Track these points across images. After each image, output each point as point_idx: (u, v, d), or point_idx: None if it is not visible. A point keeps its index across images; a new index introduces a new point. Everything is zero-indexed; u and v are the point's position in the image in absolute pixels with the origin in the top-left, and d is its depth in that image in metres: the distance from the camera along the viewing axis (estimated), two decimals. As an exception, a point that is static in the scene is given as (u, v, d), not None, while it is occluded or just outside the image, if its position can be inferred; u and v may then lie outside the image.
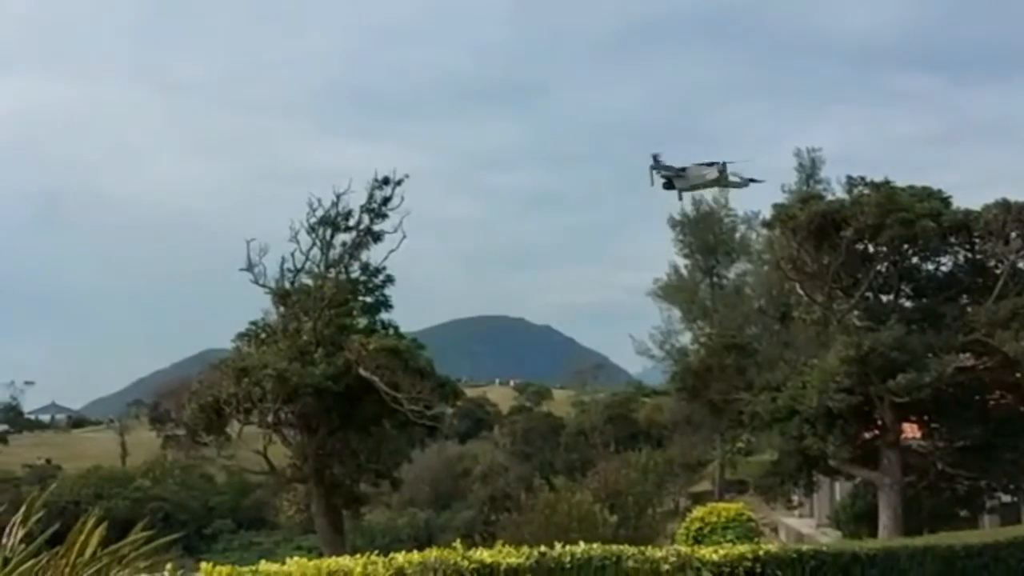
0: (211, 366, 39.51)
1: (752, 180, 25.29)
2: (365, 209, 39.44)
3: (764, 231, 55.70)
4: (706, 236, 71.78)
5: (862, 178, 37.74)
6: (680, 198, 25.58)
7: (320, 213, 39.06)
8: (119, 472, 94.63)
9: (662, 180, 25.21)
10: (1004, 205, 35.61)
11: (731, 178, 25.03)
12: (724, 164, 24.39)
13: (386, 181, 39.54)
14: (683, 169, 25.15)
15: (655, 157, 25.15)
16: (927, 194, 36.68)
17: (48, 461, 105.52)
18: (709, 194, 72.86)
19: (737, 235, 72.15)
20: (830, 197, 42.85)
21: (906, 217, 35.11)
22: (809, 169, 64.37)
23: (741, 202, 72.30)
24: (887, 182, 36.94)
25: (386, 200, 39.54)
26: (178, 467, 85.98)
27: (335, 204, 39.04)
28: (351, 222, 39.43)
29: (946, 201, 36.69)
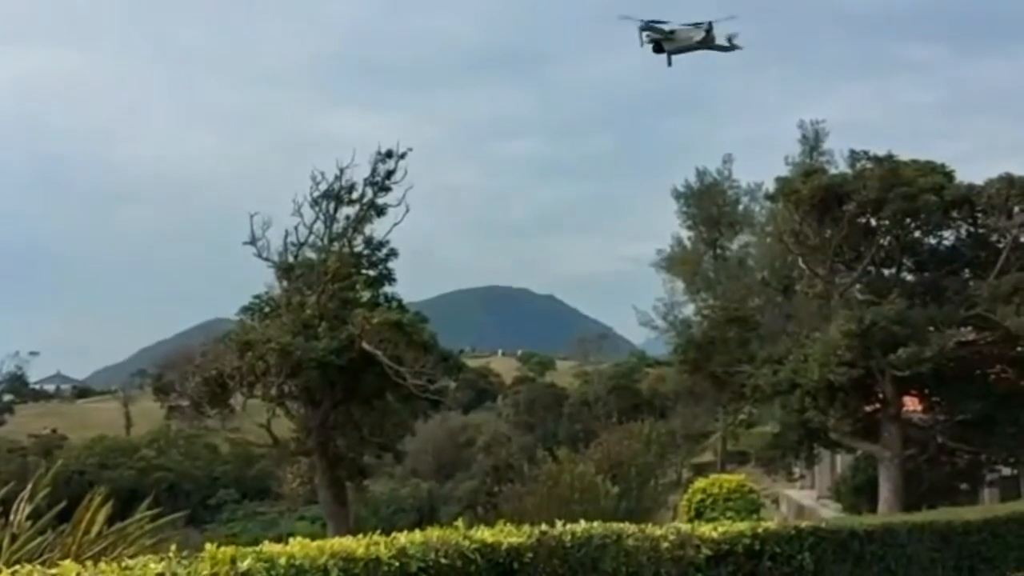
0: (215, 340, 39.69)
1: (735, 46, 25.08)
2: (369, 182, 39.44)
3: (767, 204, 55.78)
4: (709, 208, 71.68)
5: (865, 152, 37.73)
6: (669, 63, 25.18)
7: (323, 187, 39.09)
8: (124, 442, 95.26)
9: (650, 43, 24.99)
10: (1007, 179, 35.61)
11: (718, 40, 24.81)
12: (710, 24, 24.17)
13: (389, 154, 39.52)
14: (672, 32, 24.92)
15: (644, 21, 25.03)
16: (930, 168, 36.64)
17: (54, 431, 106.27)
18: (713, 165, 72.91)
19: (740, 207, 72.04)
20: (833, 170, 42.85)
21: (909, 191, 35.12)
22: (813, 141, 64.16)
23: (744, 174, 72.21)
24: (890, 156, 36.90)
25: (389, 173, 39.53)
26: (182, 437, 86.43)
27: (338, 178, 39.06)
28: (355, 195, 39.44)
29: (949, 175, 36.65)
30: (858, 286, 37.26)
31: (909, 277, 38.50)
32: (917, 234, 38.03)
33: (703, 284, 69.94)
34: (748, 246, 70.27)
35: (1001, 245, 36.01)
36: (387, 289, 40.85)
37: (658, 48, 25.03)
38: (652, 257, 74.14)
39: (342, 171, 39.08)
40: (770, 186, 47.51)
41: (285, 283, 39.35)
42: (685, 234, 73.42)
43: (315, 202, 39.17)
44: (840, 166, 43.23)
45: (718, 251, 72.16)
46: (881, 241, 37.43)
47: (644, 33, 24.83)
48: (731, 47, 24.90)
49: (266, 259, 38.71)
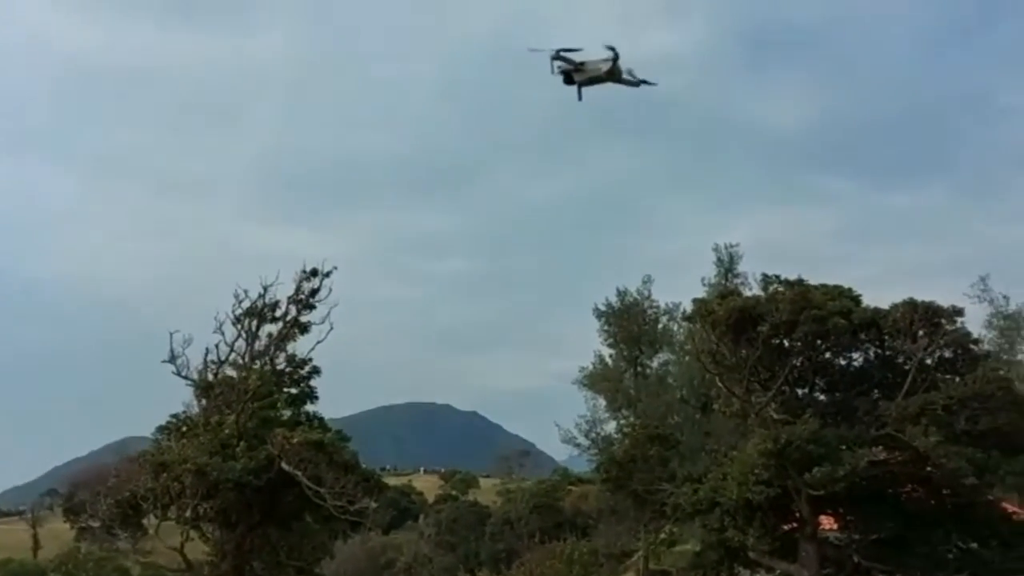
0: (129, 459, 38.80)
1: (644, 81, 25.29)
2: (293, 300, 39.50)
3: (686, 324, 57.03)
4: (630, 327, 72.74)
5: (777, 276, 39.23)
6: (580, 97, 25.25)
7: (246, 304, 39.03)
8: (31, 565, 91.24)
9: (561, 74, 25.18)
10: (911, 304, 37.24)
11: (625, 75, 25.04)
12: (616, 54, 24.41)
13: (314, 272, 39.73)
14: (582, 63, 25.16)
15: (555, 50, 25.19)
16: (838, 292, 38.18)
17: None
18: (633, 286, 74.43)
19: (660, 326, 73.27)
20: (748, 293, 44.24)
21: (819, 314, 36.48)
22: (728, 264, 66.08)
23: (664, 293, 73.77)
24: (800, 280, 38.41)
25: (314, 291, 39.69)
26: (92, 560, 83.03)
27: (262, 296, 39.09)
28: (278, 313, 39.44)
29: (856, 299, 38.24)
30: (773, 405, 38.12)
31: (822, 397, 39.56)
32: (828, 355, 39.26)
33: (624, 401, 70.54)
34: (668, 364, 71.37)
35: (907, 367, 37.37)
36: (308, 407, 40.50)
37: (568, 79, 25.32)
38: (575, 374, 74.68)
39: (266, 289, 39.18)
40: (688, 306, 48.73)
41: (204, 402, 38.80)
42: (607, 352, 74.24)
43: (237, 319, 39.06)
44: (754, 288, 44.68)
45: (639, 369, 73.01)
46: (794, 362, 38.54)
47: (555, 63, 25.17)
48: (639, 82, 25.30)
49: (185, 377, 38.28)
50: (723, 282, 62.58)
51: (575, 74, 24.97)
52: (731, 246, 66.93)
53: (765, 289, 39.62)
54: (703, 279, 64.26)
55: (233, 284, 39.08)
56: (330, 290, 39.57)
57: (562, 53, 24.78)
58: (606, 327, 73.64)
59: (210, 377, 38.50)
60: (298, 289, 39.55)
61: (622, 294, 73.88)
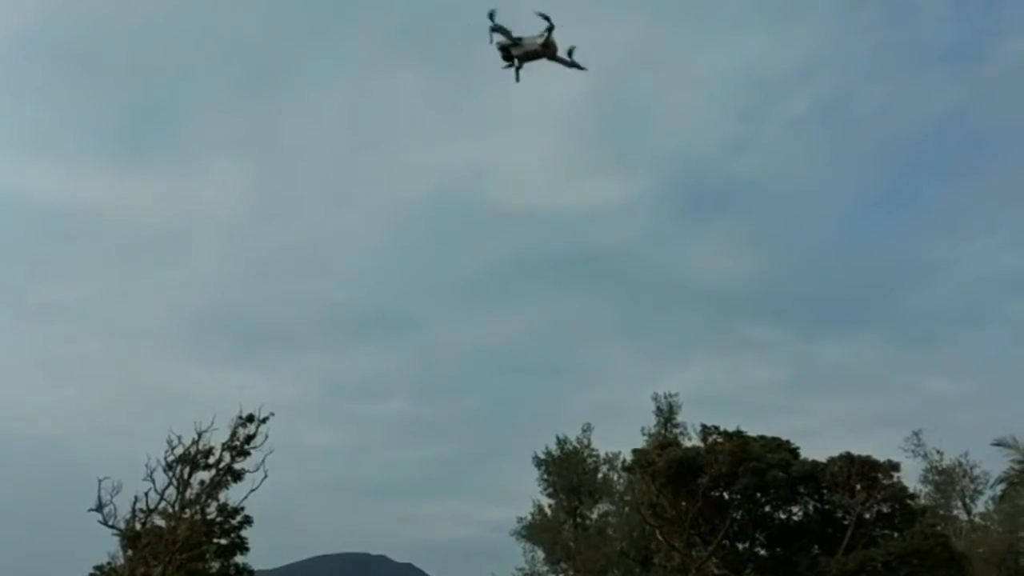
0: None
1: (576, 64, 24.98)
2: (227, 447, 38.65)
3: (625, 474, 56.76)
4: (570, 476, 72.04)
5: (716, 427, 39.59)
6: (517, 78, 24.78)
7: (179, 451, 38.05)
8: None
9: (500, 50, 24.70)
10: (848, 458, 37.69)
11: (560, 52, 24.73)
12: (551, 24, 24.02)
13: (251, 418, 39.03)
14: (519, 38, 24.75)
15: (492, 15, 24.63)
16: (776, 444, 38.55)
17: None
18: (572, 433, 74.14)
19: (600, 475, 72.71)
20: (687, 443, 44.39)
21: (758, 467, 36.73)
22: (667, 413, 66.17)
23: (603, 441, 73.55)
24: (739, 432, 38.77)
25: (249, 438, 38.90)
26: None
27: (196, 442, 38.18)
28: (211, 460, 38.47)
29: (794, 451, 38.62)
30: (714, 560, 37.85)
31: (762, 552, 39.40)
32: (768, 508, 39.33)
33: (563, 554, 69.19)
34: (608, 515, 70.46)
35: (846, 522, 37.50)
36: (239, 559, 39.24)
37: (506, 55, 25.18)
38: (513, 524, 73.36)
39: (200, 435, 38.30)
40: (628, 456, 48.72)
41: (130, 552, 37.28)
42: (546, 502, 73.20)
43: (169, 466, 37.96)
44: (693, 439, 44.88)
45: (578, 520, 72.00)
46: (734, 515, 38.49)
47: (493, 34, 24.97)
48: (574, 64, 25.24)
49: (112, 527, 36.82)
50: (663, 431, 62.63)
51: (512, 48, 24.92)
52: (670, 395, 67.16)
53: (704, 440, 39.90)
54: (643, 428, 64.25)
55: (166, 429, 38.18)
56: (266, 436, 38.87)
57: (501, 27, 24.66)
58: (545, 476, 72.87)
59: (138, 526, 37.12)
60: (233, 435, 38.77)
61: (562, 442, 73.41)
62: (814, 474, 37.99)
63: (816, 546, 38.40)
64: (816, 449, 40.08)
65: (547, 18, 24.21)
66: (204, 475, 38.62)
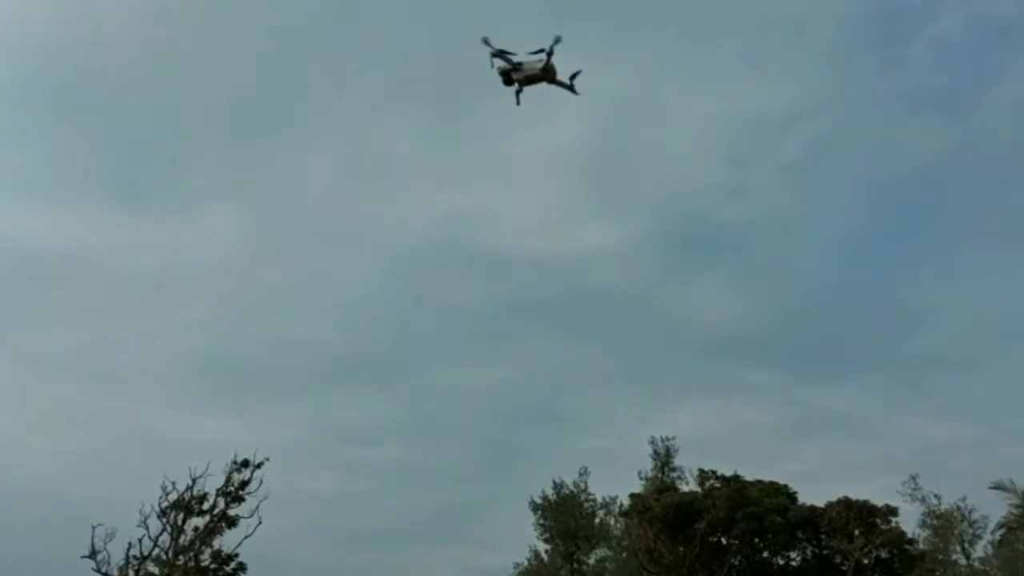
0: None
1: (572, 88, 25.01)
2: (221, 492, 38.44)
3: (623, 519, 56.39)
4: (567, 521, 71.52)
5: (713, 472, 39.43)
6: (518, 101, 24.82)
7: (173, 496, 37.82)
8: None
9: (500, 74, 24.73)
10: (846, 503, 37.52)
11: (560, 78, 24.75)
12: (552, 48, 24.05)
13: (245, 464, 38.88)
14: (520, 63, 24.80)
15: (487, 41, 24.67)
16: (774, 489, 38.39)
17: None
18: (569, 477, 73.72)
19: (597, 520, 72.20)
20: (684, 487, 44.23)
21: (755, 511, 36.55)
22: (664, 457, 65.86)
23: (600, 485, 73.16)
24: (736, 476, 38.62)
25: (244, 483, 38.71)
26: None
27: (190, 488, 38.01)
28: (206, 506, 38.25)
29: (792, 496, 38.43)
30: (712, 607, 37.54)
31: (760, 599, 39.08)
32: (766, 554, 39.12)
33: (561, 601, 68.51)
34: (605, 561, 69.86)
35: (844, 568, 37.25)
36: (233, 608, 38.77)
37: (508, 80, 25.32)
38: (509, 570, 72.68)
39: (194, 480, 38.14)
40: (625, 500, 48.51)
41: (122, 601, 36.88)
42: (542, 547, 72.61)
43: (163, 512, 37.75)
44: (690, 482, 44.72)
45: (575, 565, 71.41)
46: (732, 560, 38.23)
47: (494, 60, 25.12)
48: (570, 86, 25.38)
49: (105, 574, 36.48)
50: (660, 476, 62.33)
51: (513, 73, 25.16)
52: (667, 439, 66.89)
53: (702, 484, 39.75)
54: (640, 472, 63.93)
55: (160, 475, 37.98)
56: (261, 481, 38.67)
57: (503, 52, 24.91)
58: (542, 521, 72.33)
59: (131, 574, 36.78)
60: (228, 480, 38.59)
61: (558, 486, 72.94)
62: (812, 519, 37.82)
63: (815, 593, 38.15)
64: (813, 493, 39.99)
65: (553, 46, 24.63)
66: (198, 521, 38.40)
